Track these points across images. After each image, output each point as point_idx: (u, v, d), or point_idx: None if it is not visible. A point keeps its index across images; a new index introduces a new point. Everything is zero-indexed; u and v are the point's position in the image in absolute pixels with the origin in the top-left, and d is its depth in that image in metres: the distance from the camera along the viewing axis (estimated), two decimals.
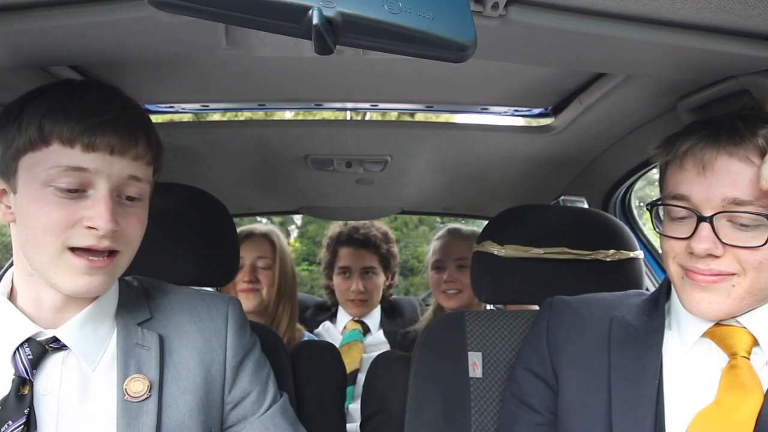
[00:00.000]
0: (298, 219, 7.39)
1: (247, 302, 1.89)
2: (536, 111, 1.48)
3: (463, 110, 1.52)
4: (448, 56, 0.62)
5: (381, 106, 1.47)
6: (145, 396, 0.86)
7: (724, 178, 0.82)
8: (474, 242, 2.07)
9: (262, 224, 2.25)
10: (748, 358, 0.85)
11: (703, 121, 0.89)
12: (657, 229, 0.95)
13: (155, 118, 1.51)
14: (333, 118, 1.60)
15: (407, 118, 1.71)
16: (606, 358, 0.95)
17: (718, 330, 0.88)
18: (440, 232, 2.18)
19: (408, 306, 2.37)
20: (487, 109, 1.47)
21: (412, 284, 6.90)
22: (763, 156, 0.80)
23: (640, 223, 1.92)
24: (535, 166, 1.70)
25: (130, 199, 0.86)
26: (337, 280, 2.16)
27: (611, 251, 1.24)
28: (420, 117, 1.66)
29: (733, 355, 0.86)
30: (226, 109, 1.51)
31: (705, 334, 0.89)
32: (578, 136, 1.48)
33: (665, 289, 1.00)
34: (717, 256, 0.82)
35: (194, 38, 0.85)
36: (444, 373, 1.19)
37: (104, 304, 0.90)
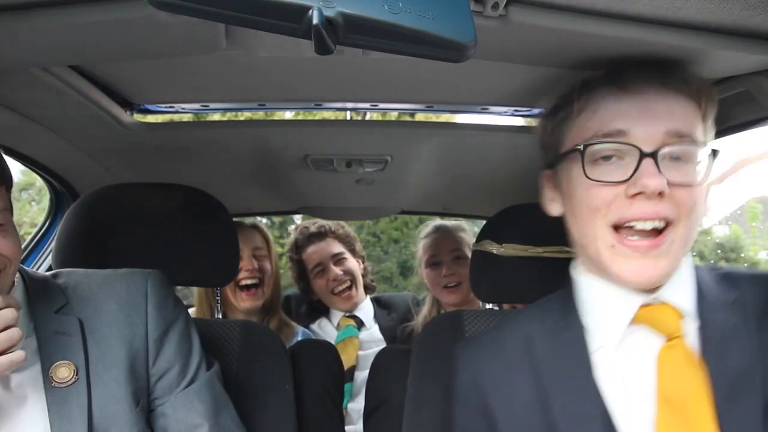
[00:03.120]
0: (298, 219, 7.38)
1: (252, 302, 1.88)
2: (536, 111, 1.48)
3: (463, 110, 1.52)
4: (448, 56, 0.62)
5: (381, 106, 1.46)
6: (72, 380, 0.86)
7: (666, 111, 0.78)
8: (462, 234, 2.08)
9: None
10: (681, 337, 0.79)
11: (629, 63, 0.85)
12: (573, 182, 0.84)
13: (155, 118, 1.51)
14: (333, 118, 1.60)
15: (407, 118, 1.71)
16: (534, 385, 0.85)
17: (646, 313, 0.82)
18: (427, 230, 2.19)
19: (401, 302, 2.37)
20: (487, 109, 1.47)
21: (412, 284, 6.90)
22: (696, 99, 0.80)
23: None
24: (535, 166, 1.70)
25: None
26: (315, 283, 2.16)
27: None
28: (420, 117, 1.66)
29: (669, 335, 0.80)
30: (226, 109, 1.51)
31: (633, 322, 0.82)
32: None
33: (571, 287, 0.92)
34: (662, 196, 0.76)
35: (194, 38, 0.85)
36: (442, 373, 1.19)
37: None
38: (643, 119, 0.78)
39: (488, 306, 1.38)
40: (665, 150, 0.77)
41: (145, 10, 0.74)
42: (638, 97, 0.80)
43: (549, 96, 0.96)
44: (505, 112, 1.49)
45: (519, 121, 1.57)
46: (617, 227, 0.79)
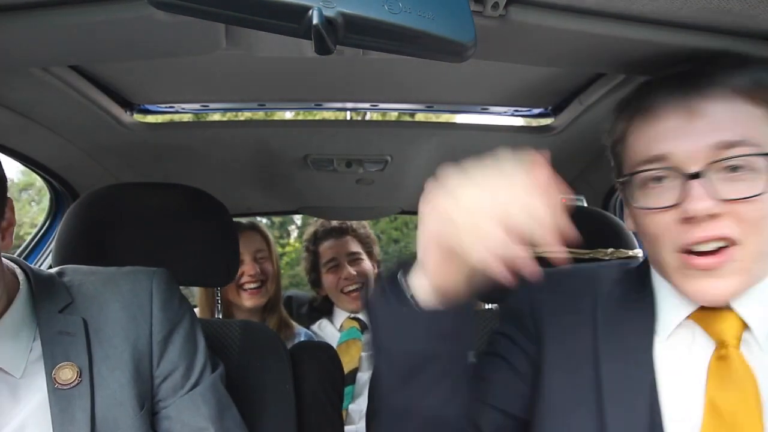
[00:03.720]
0: (298, 219, 7.38)
1: (255, 300, 1.89)
2: (536, 111, 1.48)
3: (463, 110, 1.52)
4: (448, 56, 0.62)
5: (381, 106, 1.46)
6: (76, 381, 0.85)
7: (708, 123, 0.71)
8: None
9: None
10: (738, 348, 0.75)
11: (660, 77, 0.80)
12: (632, 208, 0.78)
13: (155, 118, 1.51)
14: (333, 118, 1.60)
15: (407, 118, 1.71)
16: (593, 347, 0.82)
17: (704, 313, 0.78)
18: None
19: None
20: (487, 109, 1.47)
21: None
22: (750, 95, 0.72)
23: None
24: None
25: None
26: (326, 278, 2.14)
27: (610, 250, 1.24)
28: (420, 117, 1.66)
29: (722, 343, 0.76)
30: (226, 109, 1.51)
31: (689, 317, 0.79)
32: (578, 136, 1.48)
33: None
34: (717, 216, 0.70)
35: (194, 38, 0.85)
36: None
37: (17, 309, 0.88)
38: (681, 138, 0.72)
39: (488, 306, 1.38)
40: (714, 166, 0.71)
41: (145, 10, 0.74)
42: (676, 111, 0.74)
43: (549, 96, 0.95)
44: (505, 112, 1.49)
45: (519, 121, 1.57)
46: (681, 252, 0.75)
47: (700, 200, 0.70)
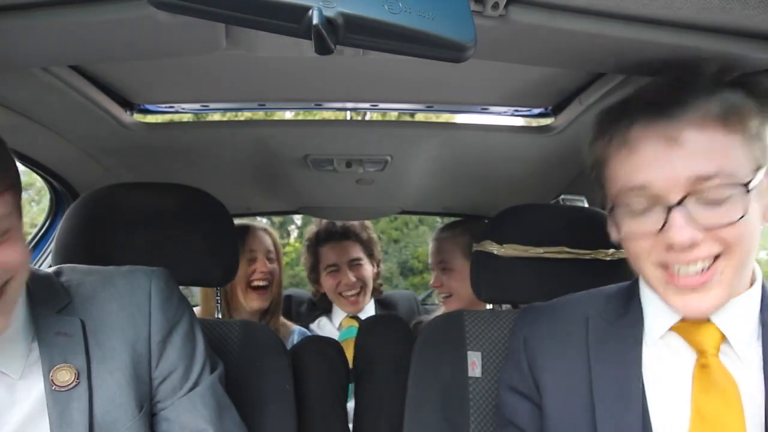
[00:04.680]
0: (298, 219, 7.38)
1: (262, 302, 1.89)
2: (536, 111, 1.48)
3: (463, 110, 1.52)
4: (448, 56, 0.62)
5: (381, 106, 1.46)
6: (74, 383, 0.84)
7: (685, 153, 0.73)
8: (458, 239, 1.97)
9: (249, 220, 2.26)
10: (717, 356, 0.80)
11: (636, 95, 0.81)
12: (617, 234, 0.83)
13: (155, 118, 1.51)
14: (333, 118, 1.60)
15: (407, 118, 1.71)
16: (586, 365, 0.87)
17: (686, 325, 0.82)
18: (434, 233, 2.16)
19: (402, 299, 2.36)
20: (487, 109, 1.47)
21: (413, 284, 6.90)
22: (723, 122, 0.73)
23: None
24: (535, 166, 1.70)
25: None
26: (326, 280, 2.13)
27: (611, 250, 1.24)
28: (420, 117, 1.66)
29: (702, 353, 0.80)
30: (226, 109, 1.51)
31: (672, 328, 0.84)
32: (578, 136, 1.48)
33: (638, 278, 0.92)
34: (698, 243, 0.73)
35: (194, 38, 0.85)
36: (443, 373, 1.19)
37: (16, 310, 0.87)
38: (660, 168, 0.75)
39: (489, 306, 1.38)
40: (693, 196, 0.73)
41: (145, 10, 0.74)
42: (653, 140, 0.76)
43: (549, 96, 0.96)
44: (505, 112, 1.49)
45: (519, 121, 1.57)
46: (665, 269, 0.78)
47: (681, 230, 0.73)
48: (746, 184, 0.73)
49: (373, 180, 1.80)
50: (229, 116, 1.59)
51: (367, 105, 1.46)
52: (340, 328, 2.12)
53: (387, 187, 1.90)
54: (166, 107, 1.46)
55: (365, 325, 1.56)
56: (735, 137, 0.75)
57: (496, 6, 0.74)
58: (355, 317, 2.13)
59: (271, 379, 1.20)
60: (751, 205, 0.74)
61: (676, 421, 0.80)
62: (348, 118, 1.58)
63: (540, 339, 0.95)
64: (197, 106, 1.46)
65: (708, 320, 0.80)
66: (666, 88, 0.79)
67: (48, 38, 0.82)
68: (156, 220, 1.23)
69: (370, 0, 0.56)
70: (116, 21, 0.77)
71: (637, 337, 0.86)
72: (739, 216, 0.72)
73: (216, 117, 1.59)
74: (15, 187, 0.84)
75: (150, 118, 1.49)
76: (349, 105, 1.48)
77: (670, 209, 0.74)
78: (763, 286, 0.83)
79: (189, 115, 1.53)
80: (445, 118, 1.62)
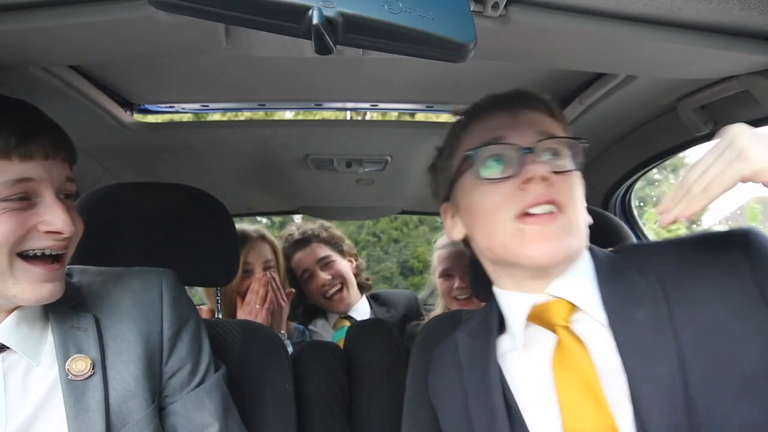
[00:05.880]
0: (298, 219, 7.38)
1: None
2: None
3: None
4: (448, 56, 0.62)
5: (381, 106, 1.47)
6: (89, 373, 0.87)
7: (527, 120, 0.90)
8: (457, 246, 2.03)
9: (245, 225, 2.22)
10: (568, 327, 0.85)
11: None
12: (480, 177, 0.92)
13: (155, 118, 1.51)
14: (333, 118, 1.60)
15: (407, 118, 1.71)
16: (461, 389, 0.95)
17: (536, 310, 0.88)
18: (442, 241, 2.17)
19: (402, 298, 2.35)
20: None
21: (413, 284, 6.90)
22: (550, 115, 0.93)
23: (640, 222, 1.92)
24: None
25: (68, 196, 0.87)
26: (306, 289, 2.13)
27: (609, 250, 1.24)
28: (420, 117, 1.66)
29: (553, 328, 0.86)
30: (226, 109, 1.51)
31: (529, 319, 0.89)
32: (578, 136, 1.48)
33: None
34: (548, 180, 0.84)
35: (194, 38, 0.85)
36: None
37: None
38: (511, 128, 0.90)
39: None
40: (540, 145, 0.87)
41: (145, 10, 0.74)
42: (504, 114, 0.92)
43: (549, 96, 0.97)
44: None
45: None
46: (519, 216, 0.86)
47: (536, 165, 0.85)
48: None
49: (373, 180, 1.80)
50: (229, 116, 1.59)
51: (367, 105, 1.46)
52: (334, 328, 2.12)
53: (387, 187, 1.89)
54: (166, 107, 1.46)
55: (351, 333, 1.55)
56: (558, 123, 0.94)
57: (496, 6, 0.74)
58: (348, 317, 2.12)
59: (270, 379, 1.20)
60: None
61: (548, 416, 0.83)
62: (348, 118, 1.58)
63: (431, 368, 1.05)
64: (197, 106, 1.46)
65: (555, 298, 0.87)
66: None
67: (48, 38, 0.82)
68: (156, 220, 1.23)
69: (370, 0, 0.56)
70: (116, 21, 0.77)
71: (490, 344, 0.94)
72: (571, 168, 0.88)
73: (216, 117, 1.59)
74: (73, 156, 0.88)
75: (150, 118, 1.50)
76: (349, 105, 1.48)
77: (524, 153, 0.87)
78: (590, 249, 0.92)
79: (189, 115, 1.53)
80: (445, 118, 1.62)
